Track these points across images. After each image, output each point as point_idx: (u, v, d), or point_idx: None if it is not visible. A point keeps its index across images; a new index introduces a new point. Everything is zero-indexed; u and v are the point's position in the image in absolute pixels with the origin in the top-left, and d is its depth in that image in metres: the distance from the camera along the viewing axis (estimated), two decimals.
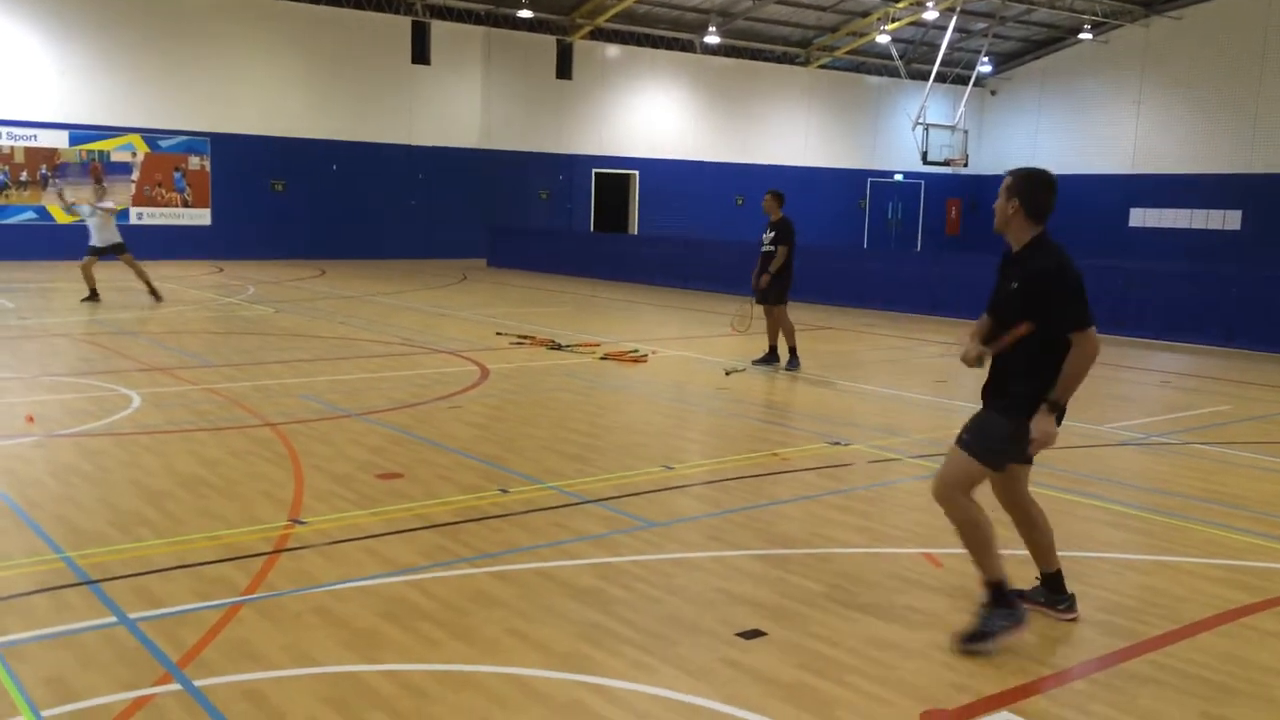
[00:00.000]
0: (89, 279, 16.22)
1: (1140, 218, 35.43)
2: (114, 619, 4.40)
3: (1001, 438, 4.41)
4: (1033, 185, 4.43)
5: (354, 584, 4.87)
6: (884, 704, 3.87)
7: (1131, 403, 10.76)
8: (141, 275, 16.49)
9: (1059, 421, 4.41)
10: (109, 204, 16.42)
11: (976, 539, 4.39)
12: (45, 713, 3.60)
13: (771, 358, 11.69)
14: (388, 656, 4.12)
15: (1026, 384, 4.40)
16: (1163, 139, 34.67)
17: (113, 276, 18.17)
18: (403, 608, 4.61)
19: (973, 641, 4.32)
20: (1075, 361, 4.34)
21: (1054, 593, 4.70)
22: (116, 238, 16.35)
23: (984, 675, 4.13)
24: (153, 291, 16.45)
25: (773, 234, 11.63)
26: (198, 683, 3.85)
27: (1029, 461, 4.64)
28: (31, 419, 8.09)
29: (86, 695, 3.73)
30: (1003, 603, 4.37)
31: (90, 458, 7.02)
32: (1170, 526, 6.24)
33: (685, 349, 12.98)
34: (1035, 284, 4.35)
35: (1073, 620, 4.64)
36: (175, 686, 3.82)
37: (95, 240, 16.24)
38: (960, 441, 4.45)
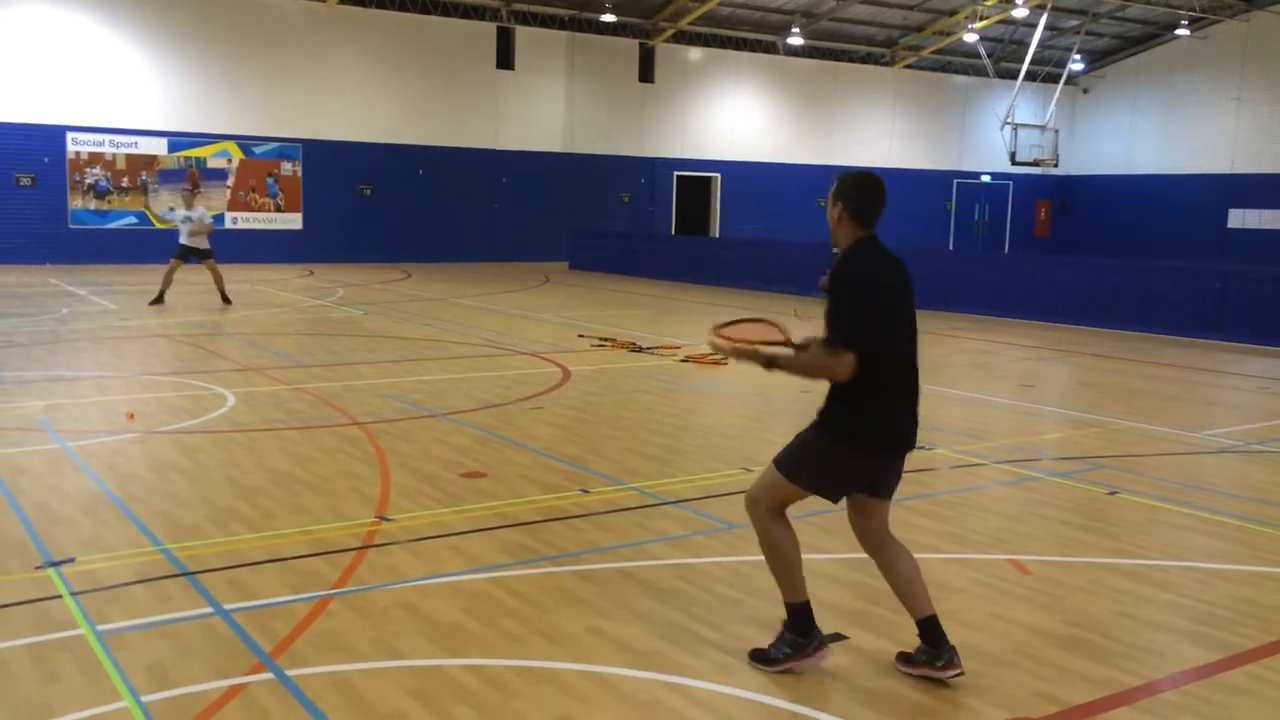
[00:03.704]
0: (166, 281, 16.71)
1: (1240, 219, 34.27)
2: (210, 610, 4.55)
3: (809, 454, 4.03)
4: (855, 188, 4.05)
5: (439, 580, 4.96)
6: (969, 711, 3.82)
7: (1230, 409, 10.43)
8: (218, 280, 16.91)
9: (765, 367, 3.99)
10: (190, 213, 16.80)
11: (773, 558, 4.10)
12: (145, 698, 3.74)
13: None
14: (471, 651, 4.19)
15: (837, 400, 4.00)
16: (1264, 137, 33.47)
17: (198, 279, 18.72)
18: (486, 604, 4.68)
19: (757, 660, 4.13)
20: (815, 359, 3.91)
21: (933, 647, 4.04)
22: (204, 244, 16.80)
23: (1071, 685, 4.05)
24: (224, 297, 16.89)
25: None
26: (289, 673, 3.96)
27: (880, 495, 4.14)
28: (132, 416, 8.39)
29: (184, 682, 3.87)
30: (795, 629, 4.09)
31: (187, 454, 7.26)
32: (1268, 536, 6.04)
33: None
34: (831, 287, 3.96)
35: (957, 676, 4.00)
36: (268, 676, 3.93)
37: (184, 240, 16.72)
38: (776, 456, 4.14)
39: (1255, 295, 15.69)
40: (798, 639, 4.10)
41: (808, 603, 4.12)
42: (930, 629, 4.06)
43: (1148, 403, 10.34)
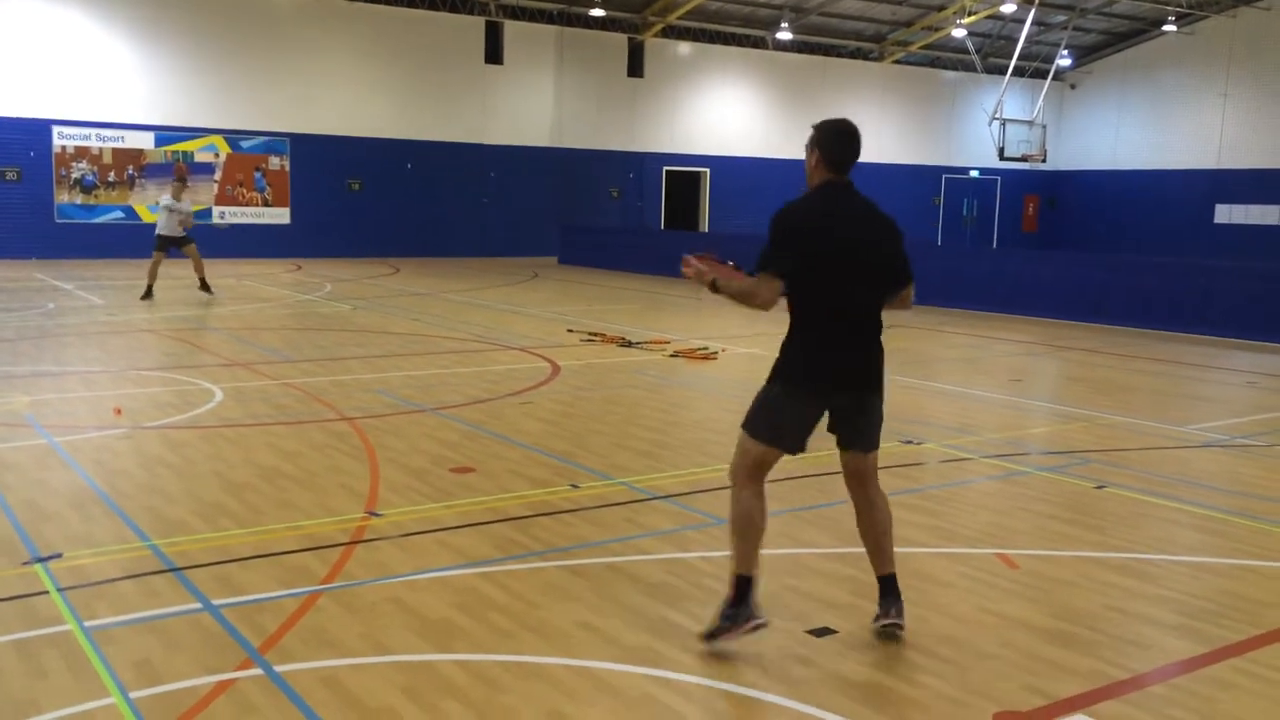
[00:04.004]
0: (151, 275, 16.66)
1: (1226, 214, 34.42)
2: (198, 605, 4.54)
3: (760, 405, 4.22)
4: (827, 133, 4.24)
5: (428, 575, 4.95)
6: (957, 705, 3.83)
7: (1216, 403, 10.48)
8: (199, 269, 16.85)
9: (710, 289, 4.19)
10: (177, 203, 16.73)
11: (736, 526, 4.23)
12: (133, 694, 3.73)
13: None
14: (461, 646, 4.19)
15: (782, 348, 4.21)
16: (1250, 132, 33.62)
17: (183, 274, 18.63)
18: (475, 599, 4.68)
19: (707, 638, 4.22)
20: (742, 282, 4.12)
21: (883, 598, 4.36)
22: (180, 232, 16.69)
23: (1058, 678, 4.07)
24: (204, 285, 16.82)
25: None
26: (278, 668, 3.95)
27: (846, 446, 4.31)
28: (119, 411, 8.36)
29: (172, 678, 3.86)
30: (735, 600, 4.18)
31: (175, 449, 7.23)
32: (1254, 530, 6.08)
33: (755, 346, 12.93)
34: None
35: (889, 626, 4.29)
36: (257, 671, 3.93)
37: (163, 231, 16.63)
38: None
39: (1242, 290, 15.76)
40: (731, 610, 4.19)
41: (752, 578, 4.22)
42: (886, 587, 4.36)
43: (1135, 397, 10.39)
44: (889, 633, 4.33)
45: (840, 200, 4.21)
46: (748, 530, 4.22)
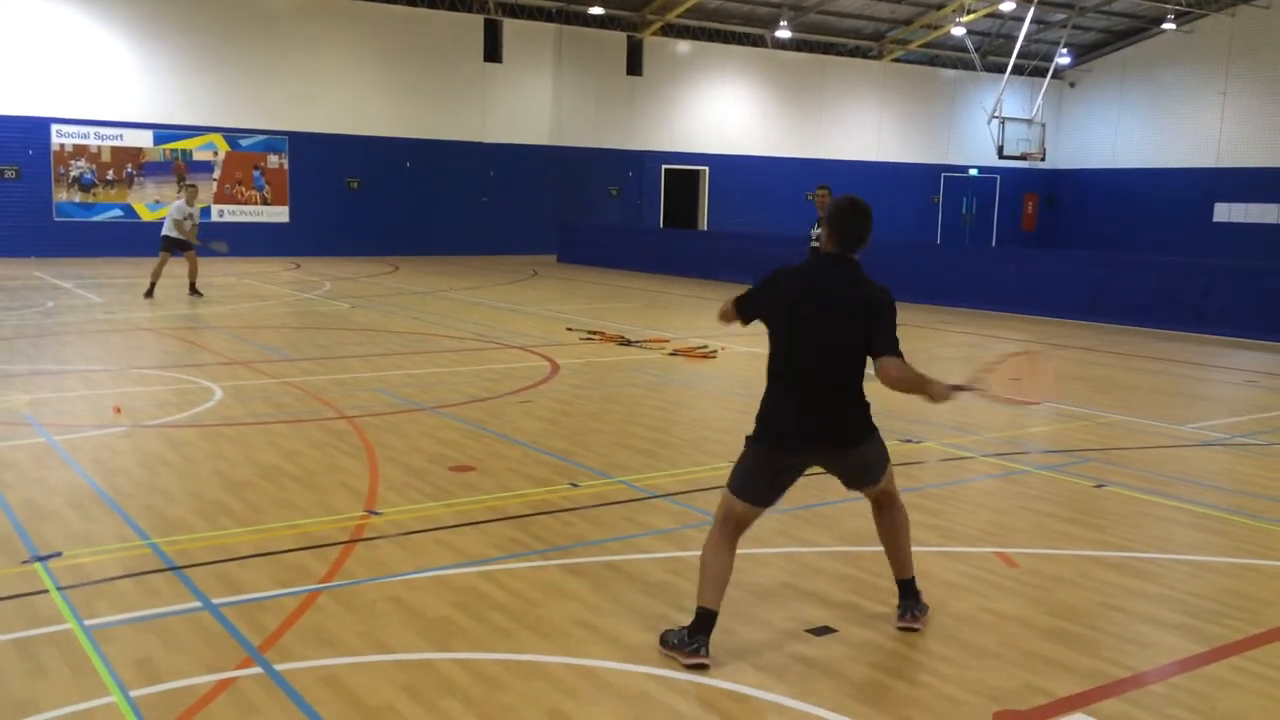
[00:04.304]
0: (155, 274, 16.70)
1: (1225, 212, 34.44)
2: (198, 604, 4.54)
3: (738, 462, 4.35)
4: (838, 213, 4.32)
5: (427, 574, 4.95)
6: (956, 704, 3.84)
7: (1215, 402, 10.49)
8: (193, 271, 16.88)
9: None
10: (190, 209, 16.78)
11: (701, 559, 4.27)
12: (133, 693, 3.73)
13: None
14: (460, 645, 4.19)
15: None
16: (1249, 131, 33.64)
17: (180, 272, 18.63)
18: (475, 598, 4.68)
19: (661, 641, 4.21)
20: (724, 305, 4.53)
21: (903, 599, 4.53)
22: (180, 234, 16.74)
23: (1058, 677, 4.07)
24: (193, 288, 16.85)
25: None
26: (278, 667, 3.95)
27: (854, 486, 4.43)
28: (119, 410, 8.35)
29: (172, 677, 3.86)
30: (693, 628, 4.13)
31: (175, 448, 7.23)
32: (1254, 529, 6.08)
33: (754, 345, 12.93)
34: None
35: (908, 628, 4.44)
36: (257, 670, 3.93)
37: (171, 232, 16.67)
38: None
39: (1240, 289, 15.77)
40: (686, 637, 4.12)
41: (712, 614, 4.14)
42: (904, 590, 4.53)
43: (1134, 396, 10.39)
44: (908, 630, 4.47)
45: (832, 272, 4.26)
46: (708, 568, 4.23)
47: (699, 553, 5.30)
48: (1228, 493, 6.87)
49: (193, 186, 17.40)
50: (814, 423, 4.21)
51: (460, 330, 13.74)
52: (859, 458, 4.33)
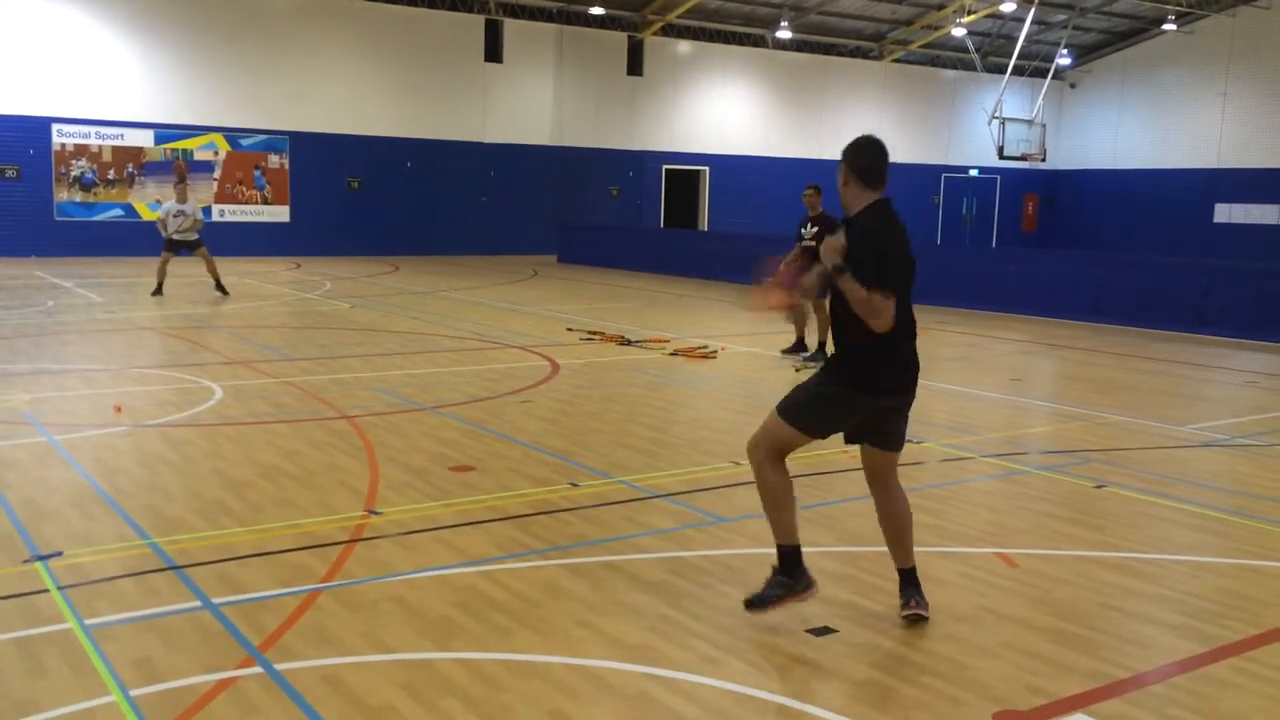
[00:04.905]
0: (159, 273, 16.73)
1: (1226, 213, 34.43)
2: (198, 603, 4.54)
3: (809, 398, 4.42)
4: (856, 149, 4.42)
5: (427, 573, 4.95)
6: (957, 704, 3.84)
7: (1215, 403, 10.49)
8: (212, 270, 16.90)
9: (826, 284, 4.40)
10: (184, 207, 16.80)
11: (766, 499, 4.43)
12: (133, 692, 3.73)
13: (819, 353, 11.64)
14: (460, 645, 4.19)
15: (855, 350, 4.38)
16: (1250, 132, 33.62)
17: (189, 271, 18.65)
18: (475, 597, 4.68)
19: (754, 606, 4.40)
20: (869, 299, 4.17)
21: (904, 588, 4.57)
22: (193, 235, 16.78)
23: (1058, 677, 4.07)
24: (220, 287, 16.86)
25: (815, 229, 11.75)
26: (278, 666, 3.95)
27: (885, 447, 4.49)
28: (119, 409, 8.35)
29: (172, 676, 3.86)
30: (784, 570, 4.39)
31: (175, 447, 7.23)
32: (1254, 530, 6.08)
33: (754, 345, 12.94)
34: (857, 242, 4.29)
35: (913, 617, 4.47)
36: (257, 670, 3.93)
37: (173, 234, 16.70)
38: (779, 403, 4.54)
39: (1241, 290, 15.76)
40: (786, 579, 4.39)
41: (798, 546, 4.41)
42: (905, 579, 4.55)
43: (1134, 397, 10.39)
44: (913, 619, 4.49)
45: (896, 215, 4.41)
46: (780, 500, 4.40)
47: (700, 553, 5.33)
48: (1228, 493, 6.87)
49: (181, 184, 17.35)
50: (917, 362, 4.41)
51: (460, 330, 13.74)
52: (906, 414, 4.50)
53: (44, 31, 23.59)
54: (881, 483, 4.56)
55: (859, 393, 4.34)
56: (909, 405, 4.49)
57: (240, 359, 10.99)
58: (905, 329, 4.34)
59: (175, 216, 16.64)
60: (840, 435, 4.53)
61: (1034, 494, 6.69)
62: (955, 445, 7.95)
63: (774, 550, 4.49)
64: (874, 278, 4.17)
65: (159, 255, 16.94)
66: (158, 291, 16.58)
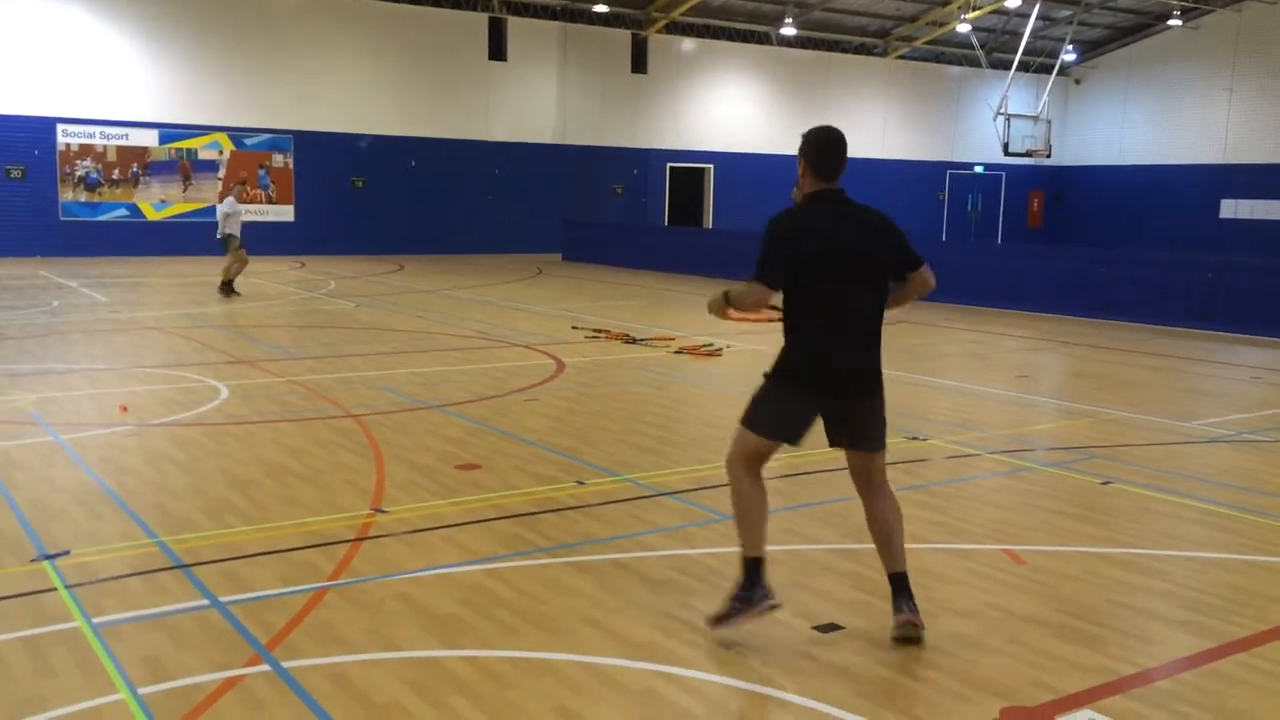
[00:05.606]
0: (227, 273, 16.95)
1: (1232, 209, 34.35)
2: (205, 602, 4.55)
3: (759, 401, 4.38)
4: (814, 145, 4.40)
5: (434, 571, 4.96)
6: (963, 701, 3.83)
7: (1221, 398, 10.47)
8: (228, 271, 16.96)
9: (724, 302, 4.38)
10: (238, 205, 17.03)
11: (738, 511, 4.35)
12: (142, 690, 3.74)
13: None
14: (467, 642, 4.20)
15: (781, 349, 4.36)
16: (1256, 127, 33.54)
17: (190, 271, 18.68)
18: (482, 595, 4.68)
19: (716, 623, 4.30)
20: (739, 289, 4.28)
21: (895, 597, 4.34)
22: (230, 231, 16.92)
23: (1065, 673, 4.07)
24: (225, 287, 16.92)
25: None
26: (285, 664, 3.96)
27: (859, 448, 4.37)
28: (125, 409, 8.37)
29: (180, 674, 3.87)
30: (745, 584, 4.27)
31: (181, 446, 7.25)
32: (1261, 525, 6.07)
33: (759, 343, 12.93)
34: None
35: (907, 627, 4.26)
36: (264, 668, 3.94)
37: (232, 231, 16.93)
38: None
39: (1247, 286, 15.74)
40: (744, 594, 4.28)
41: (760, 559, 4.31)
42: (897, 585, 4.34)
43: (1140, 393, 10.37)
44: (906, 633, 4.26)
45: (829, 207, 4.33)
46: (748, 512, 4.33)
47: (706, 550, 5.33)
48: (1234, 489, 6.85)
49: (240, 185, 17.68)
50: (852, 360, 4.28)
51: (465, 329, 13.75)
52: (870, 411, 4.34)
53: (49, 32, 23.63)
54: (865, 484, 4.44)
55: (795, 390, 4.28)
56: (872, 407, 4.32)
57: (246, 358, 11.01)
58: (815, 325, 4.24)
59: (229, 216, 16.85)
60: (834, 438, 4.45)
61: (1040, 490, 6.68)
62: (961, 442, 7.95)
63: (782, 548, 4.49)
64: (755, 267, 4.24)
65: (167, 255, 16.95)
66: (230, 290, 16.79)
